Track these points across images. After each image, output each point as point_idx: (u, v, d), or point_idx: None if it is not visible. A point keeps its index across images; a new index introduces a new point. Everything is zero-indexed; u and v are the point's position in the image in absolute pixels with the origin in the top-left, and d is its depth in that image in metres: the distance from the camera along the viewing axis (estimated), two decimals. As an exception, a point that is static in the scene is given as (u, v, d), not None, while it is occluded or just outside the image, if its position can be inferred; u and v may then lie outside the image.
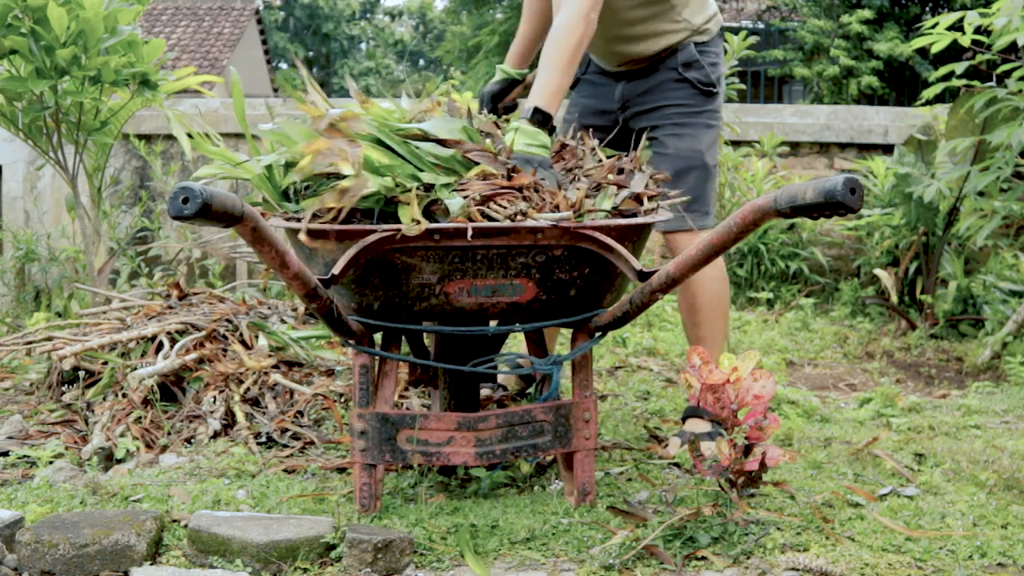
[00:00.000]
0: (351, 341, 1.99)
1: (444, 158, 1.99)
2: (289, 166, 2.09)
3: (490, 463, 2.03)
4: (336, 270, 1.78)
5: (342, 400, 2.86)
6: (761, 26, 14.62)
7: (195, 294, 3.47)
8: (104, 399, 2.85)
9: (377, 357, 2.07)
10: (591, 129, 2.60)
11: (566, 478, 2.15)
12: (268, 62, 21.53)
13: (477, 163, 2.02)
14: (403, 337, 2.24)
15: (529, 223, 1.89)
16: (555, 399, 2.09)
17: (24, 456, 2.51)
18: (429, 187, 1.95)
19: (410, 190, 1.91)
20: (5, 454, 2.55)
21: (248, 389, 2.83)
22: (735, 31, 4.38)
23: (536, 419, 2.06)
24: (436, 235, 1.87)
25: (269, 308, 3.37)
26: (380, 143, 1.97)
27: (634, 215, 2.09)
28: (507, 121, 2.40)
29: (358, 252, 1.81)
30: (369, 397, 2.04)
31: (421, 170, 1.96)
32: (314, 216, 1.94)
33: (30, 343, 3.22)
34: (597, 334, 2.10)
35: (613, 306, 2.06)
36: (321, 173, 1.96)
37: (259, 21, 21.00)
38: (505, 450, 2.02)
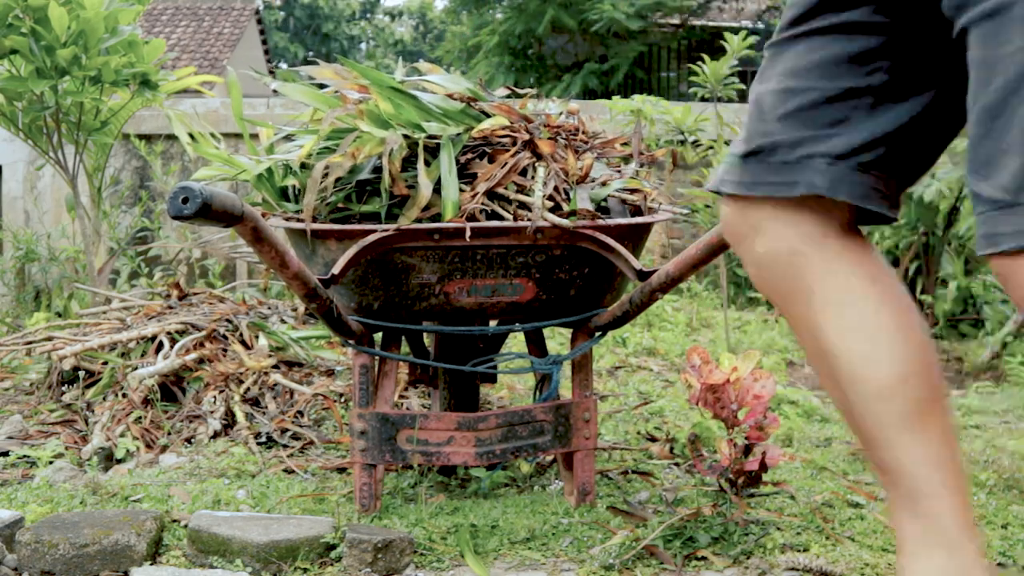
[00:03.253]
0: (351, 341, 1.99)
1: (453, 111, 1.98)
2: (288, 168, 2.09)
3: (490, 463, 2.01)
4: (336, 270, 1.78)
5: (342, 400, 2.86)
6: (761, 26, 14.61)
7: (195, 294, 3.47)
8: (104, 399, 2.85)
9: (377, 357, 2.06)
10: None
11: (566, 478, 2.15)
12: (268, 62, 21.52)
13: (488, 116, 2.00)
14: (403, 337, 2.24)
15: (528, 223, 1.88)
16: (555, 399, 2.09)
17: (24, 456, 2.51)
18: (436, 143, 1.91)
19: (418, 142, 1.90)
20: (5, 454, 2.55)
21: (248, 389, 2.83)
22: (735, 31, 4.38)
23: (536, 419, 2.05)
24: (435, 235, 1.85)
25: (269, 308, 3.38)
26: (388, 96, 1.95)
27: (636, 214, 2.09)
28: None
29: (358, 252, 1.81)
30: (369, 397, 2.02)
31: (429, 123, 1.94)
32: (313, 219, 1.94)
33: (30, 343, 3.22)
34: (597, 334, 2.09)
35: (613, 305, 2.05)
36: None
37: (259, 21, 20.99)
38: (505, 450, 1.99)
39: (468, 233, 1.83)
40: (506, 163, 1.94)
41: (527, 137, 1.99)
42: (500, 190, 1.94)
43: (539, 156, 2.00)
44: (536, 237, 1.89)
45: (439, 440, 1.97)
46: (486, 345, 2.33)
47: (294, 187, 2.11)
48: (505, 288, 1.93)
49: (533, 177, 1.97)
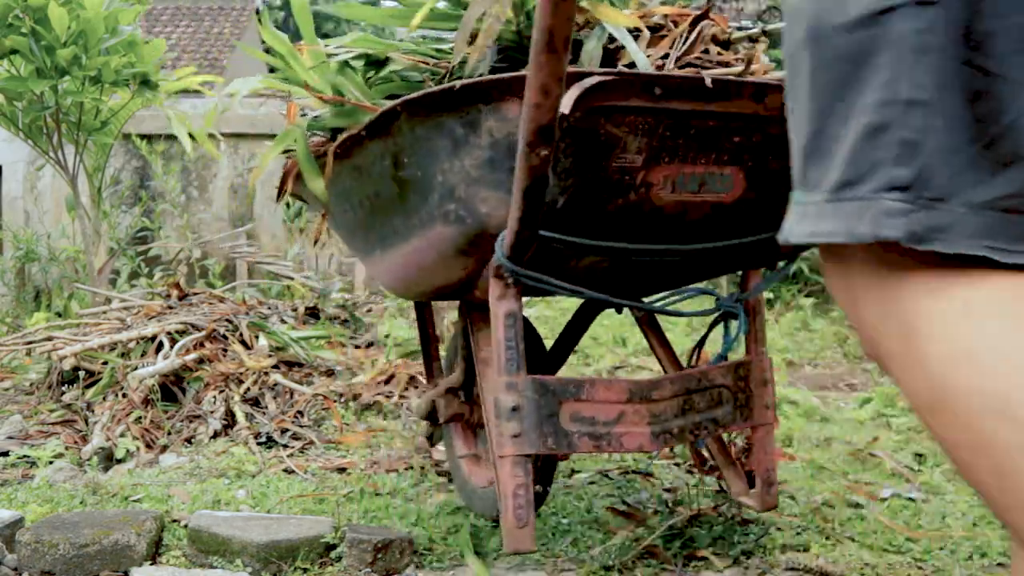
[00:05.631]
0: (514, 264, 1.40)
1: None
2: (370, 62, 1.63)
3: (667, 445, 1.56)
4: (566, 108, 1.27)
5: (342, 400, 2.86)
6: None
7: (195, 294, 3.47)
8: (104, 399, 2.85)
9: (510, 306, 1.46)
10: None
11: (731, 476, 1.76)
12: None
13: None
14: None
15: (766, 79, 1.49)
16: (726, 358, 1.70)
17: (24, 456, 2.51)
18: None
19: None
20: (5, 454, 2.55)
21: (248, 389, 2.83)
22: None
23: (714, 383, 1.62)
24: (656, 88, 1.37)
25: (269, 308, 3.38)
26: None
27: None
28: None
29: (580, 96, 1.31)
30: (520, 359, 1.45)
31: None
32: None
33: (30, 343, 3.22)
34: (782, 263, 1.68)
35: None
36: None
37: (259, 21, 20.98)
38: (683, 427, 1.56)
39: (708, 80, 1.39)
40: (690, 31, 1.55)
41: (699, 12, 1.60)
42: (692, 59, 1.56)
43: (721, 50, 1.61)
44: (758, 103, 1.45)
45: (608, 417, 1.48)
46: (667, 275, 1.73)
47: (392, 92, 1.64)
48: (714, 181, 1.50)
49: (719, 52, 1.60)
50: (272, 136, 6.06)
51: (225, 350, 2.97)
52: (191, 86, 3.90)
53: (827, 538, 1.89)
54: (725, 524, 1.91)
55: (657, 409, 1.53)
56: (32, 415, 2.88)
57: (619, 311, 1.80)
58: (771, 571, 1.76)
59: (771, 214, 1.54)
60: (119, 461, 2.52)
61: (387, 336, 3.60)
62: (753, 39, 1.68)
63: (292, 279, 4.53)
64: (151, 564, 1.75)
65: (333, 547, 1.78)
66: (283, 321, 3.31)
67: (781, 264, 1.67)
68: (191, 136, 3.81)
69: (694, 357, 1.76)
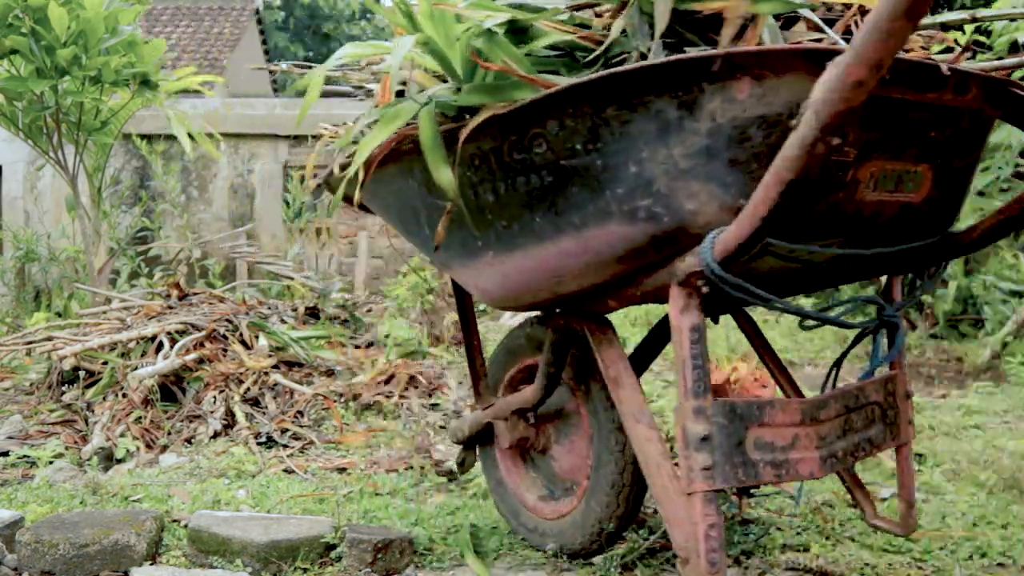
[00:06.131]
0: (721, 270, 1.20)
1: None
2: (512, 30, 1.40)
3: (833, 471, 1.43)
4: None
5: (342, 400, 2.86)
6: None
7: (195, 294, 3.47)
8: (104, 399, 2.85)
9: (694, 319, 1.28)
10: None
11: (862, 499, 1.67)
12: (268, 62, 21.52)
13: None
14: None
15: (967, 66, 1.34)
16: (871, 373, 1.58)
17: (24, 456, 2.51)
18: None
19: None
20: (5, 454, 2.55)
21: (248, 389, 2.83)
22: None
23: (869, 400, 1.52)
24: (887, 72, 1.07)
25: (269, 308, 3.38)
26: None
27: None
28: None
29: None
30: (707, 379, 1.30)
31: None
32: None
33: (30, 343, 3.22)
34: (932, 270, 1.57)
35: (991, 213, 1.46)
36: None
37: (259, 21, 21.00)
38: (845, 450, 1.45)
39: (944, 68, 1.23)
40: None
41: None
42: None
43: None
44: (965, 96, 1.30)
45: (784, 443, 1.35)
46: (821, 279, 1.59)
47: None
48: (908, 179, 1.36)
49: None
50: (273, 136, 6.05)
51: (225, 350, 2.97)
52: (191, 86, 3.91)
53: (827, 538, 1.89)
54: (725, 524, 1.91)
55: (823, 431, 1.40)
56: (32, 415, 2.88)
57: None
58: (771, 571, 1.76)
59: (943, 216, 1.43)
60: (119, 461, 2.52)
61: (387, 336, 3.60)
62: (947, 26, 1.49)
63: (292, 279, 4.53)
64: (151, 564, 1.75)
65: (333, 547, 1.78)
66: (283, 321, 3.31)
67: (933, 269, 1.57)
68: (191, 136, 3.81)
69: (833, 373, 1.61)
